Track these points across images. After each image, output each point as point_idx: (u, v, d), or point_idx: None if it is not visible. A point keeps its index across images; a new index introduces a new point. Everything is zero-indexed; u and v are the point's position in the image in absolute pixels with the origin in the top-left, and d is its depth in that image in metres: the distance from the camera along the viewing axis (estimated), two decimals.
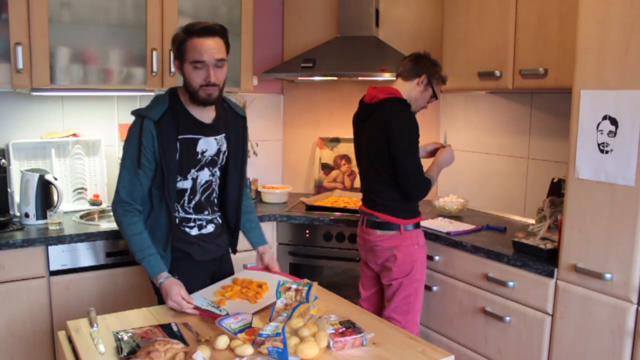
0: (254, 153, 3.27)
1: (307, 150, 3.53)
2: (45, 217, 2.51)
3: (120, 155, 1.96)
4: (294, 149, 3.56)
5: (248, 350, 1.46)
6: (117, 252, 2.48)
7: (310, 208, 3.04)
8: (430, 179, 2.32)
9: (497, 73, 2.54)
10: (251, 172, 3.22)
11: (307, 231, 2.92)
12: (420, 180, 2.26)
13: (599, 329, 1.91)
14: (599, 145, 1.89)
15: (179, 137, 1.88)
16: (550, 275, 2.06)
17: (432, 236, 2.52)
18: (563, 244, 2.02)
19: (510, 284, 2.20)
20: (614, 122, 1.83)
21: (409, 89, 2.35)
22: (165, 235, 1.93)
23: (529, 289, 2.14)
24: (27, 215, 2.50)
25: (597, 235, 1.90)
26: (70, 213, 2.71)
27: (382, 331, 1.65)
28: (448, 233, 2.51)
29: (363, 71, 2.92)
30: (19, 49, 2.36)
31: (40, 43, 2.42)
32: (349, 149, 3.38)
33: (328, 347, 1.51)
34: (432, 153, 2.51)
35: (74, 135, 2.84)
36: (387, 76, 2.85)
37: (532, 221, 2.63)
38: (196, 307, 1.77)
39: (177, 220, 1.97)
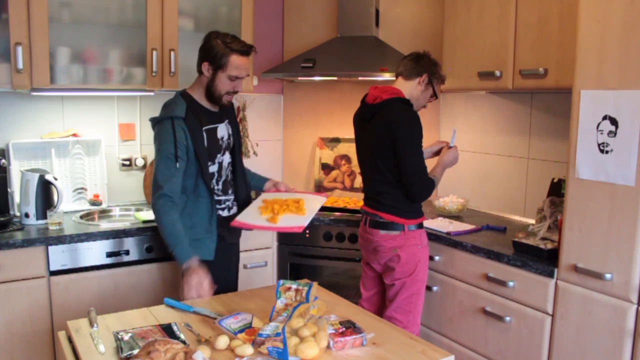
0: (254, 153, 3.27)
1: (307, 150, 3.53)
2: (45, 217, 2.51)
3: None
4: (294, 149, 3.56)
5: (248, 350, 1.46)
6: (117, 252, 2.48)
7: None
8: (435, 179, 2.32)
9: (497, 73, 2.54)
10: None
11: (307, 231, 2.92)
12: (425, 181, 2.26)
13: (599, 329, 1.91)
14: (599, 145, 1.89)
15: (204, 128, 2.14)
16: (550, 275, 2.06)
17: (432, 236, 2.52)
18: (563, 244, 2.02)
19: (510, 284, 2.20)
20: (614, 122, 1.83)
21: (410, 89, 2.35)
22: (207, 219, 2.16)
23: (529, 289, 2.14)
24: (27, 215, 2.50)
25: (597, 235, 1.90)
26: (70, 213, 2.71)
27: (382, 331, 1.65)
28: (448, 233, 2.51)
29: (363, 71, 2.92)
30: (19, 49, 2.36)
31: (40, 43, 2.42)
32: (349, 149, 3.38)
33: (328, 347, 1.51)
34: (437, 153, 2.51)
35: (74, 135, 2.84)
36: (387, 76, 2.85)
37: (532, 221, 2.63)
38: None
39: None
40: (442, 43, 2.85)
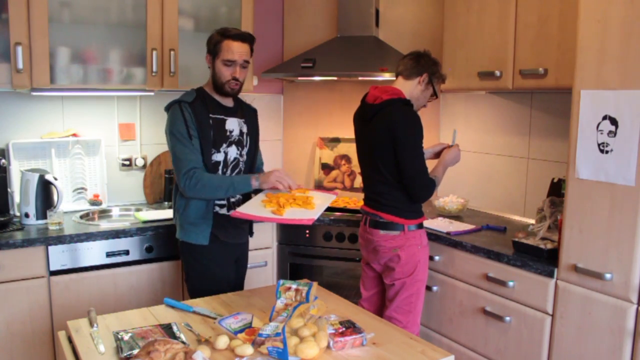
0: None
1: (307, 150, 3.53)
2: (45, 217, 2.51)
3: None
4: (294, 149, 3.56)
5: (248, 350, 1.46)
6: (117, 252, 2.48)
7: None
8: (436, 179, 2.32)
9: (497, 73, 2.54)
10: None
11: (307, 231, 2.92)
12: (426, 182, 2.26)
13: (599, 329, 1.91)
14: (599, 145, 1.89)
15: (211, 115, 2.18)
16: (550, 275, 2.06)
17: (432, 236, 2.52)
18: (563, 244, 2.02)
19: (510, 284, 2.20)
20: (614, 122, 1.83)
21: (411, 88, 2.35)
22: (204, 204, 2.18)
23: (529, 289, 2.14)
24: (27, 215, 2.50)
25: (597, 235, 1.90)
26: (70, 213, 2.71)
27: (382, 331, 1.65)
28: (448, 233, 2.51)
29: (363, 71, 2.92)
30: (19, 49, 2.36)
31: (40, 43, 2.42)
32: (349, 149, 3.38)
33: (328, 347, 1.51)
34: (438, 154, 2.51)
35: (74, 135, 2.84)
36: (387, 76, 2.85)
37: (532, 221, 2.63)
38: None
39: None
40: (442, 43, 2.85)
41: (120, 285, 2.49)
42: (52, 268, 2.35)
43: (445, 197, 3.01)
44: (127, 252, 2.51)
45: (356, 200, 3.11)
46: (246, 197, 2.23)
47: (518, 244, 2.25)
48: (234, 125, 2.26)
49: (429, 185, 2.27)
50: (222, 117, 2.22)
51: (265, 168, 2.47)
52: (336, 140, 3.43)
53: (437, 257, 2.53)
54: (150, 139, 3.08)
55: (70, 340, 1.61)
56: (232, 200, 2.26)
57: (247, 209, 1.99)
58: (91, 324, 1.66)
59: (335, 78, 3.15)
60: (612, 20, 1.82)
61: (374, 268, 2.44)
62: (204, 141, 2.13)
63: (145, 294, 2.55)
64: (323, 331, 1.51)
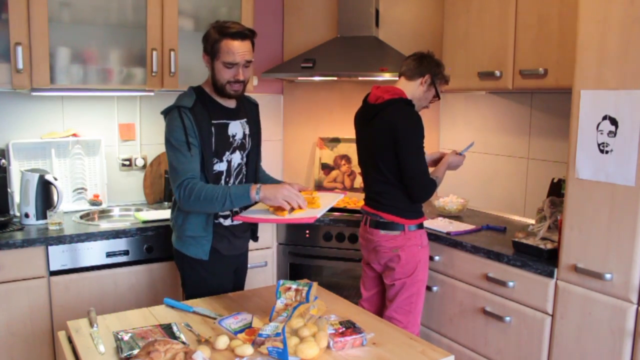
0: None
1: (307, 150, 3.53)
2: (45, 217, 2.51)
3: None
4: (294, 149, 3.56)
5: (248, 350, 1.46)
6: (117, 252, 2.48)
7: None
8: (436, 179, 2.32)
9: (497, 73, 2.54)
10: None
11: (307, 231, 2.92)
12: (426, 182, 2.26)
13: (599, 329, 1.91)
14: (599, 145, 1.89)
15: (213, 122, 2.02)
16: (550, 275, 2.06)
17: (432, 236, 2.52)
18: (563, 244, 2.02)
19: (510, 284, 2.20)
20: (614, 122, 1.83)
21: (413, 89, 2.35)
22: (204, 217, 2.02)
23: (529, 289, 2.14)
24: (27, 215, 2.50)
25: (597, 235, 1.90)
26: (70, 213, 2.71)
27: (382, 331, 1.65)
28: (448, 233, 2.51)
29: (363, 71, 2.92)
30: (19, 49, 2.36)
31: (40, 43, 2.42)
32: (349, 149, 3.38)
33: (328, 347, 1.51)
34: (436, 162, 2.51)
35: (74, 135, 2.84)
36: (387, 76, 2.85)
37: (532, 221, 2.63)
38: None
39: None
40: (442, 43, 2.85)
41: (120, 286, 2.49)
42: (52, 268, 2.35)
43: (445, 197, 3.01)
44: (127, 252, 2.51)
45: (356, 200, 3.11)
46: None
47: (518, 244, 2.25)
48: (236, 128, 2.10)
49: (429, 185, 2.27)
50: (224, 121, 2.06)
51: (265, 168, 2.46)
52: (336, 140, 3.43)
53: (437, 257, 2.53)
54: (150, 139, 3.08)
55: (70, 340, 1.61)
56: (236, 210, 2.09)
57: (249, 213, 1.93)
58: (91, 324, 1.66)
59: (335, 78, 3.15)
60: (612, 20, 1.82)
61: (374, 268, 2.44)
62: (205, 150, 1.97)
63: (145, 294, 2.55)
64: (323, 331, 1.51)
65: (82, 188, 2.87)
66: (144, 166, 3.06)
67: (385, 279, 2.38)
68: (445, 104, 3.24)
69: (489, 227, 2.65)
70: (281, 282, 1.75)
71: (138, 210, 2.87)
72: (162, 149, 3.09)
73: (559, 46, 2.29)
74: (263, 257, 2.89)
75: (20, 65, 2.37)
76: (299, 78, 3.21)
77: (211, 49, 1.99)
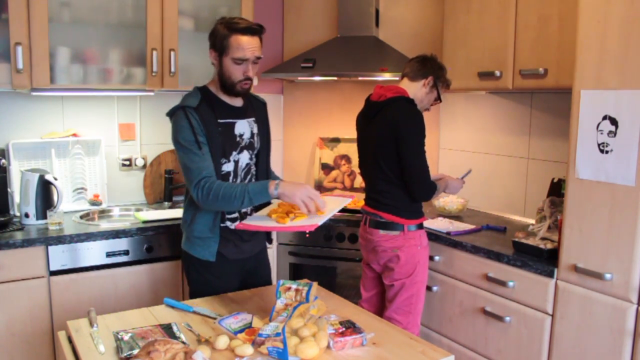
0: None
1: (307, 150, 3.53)
2: (45, 217, 2.51)
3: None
4: (294, 149, 3.56)
5: (248, 350, 1.46)
6: (117, 252, 2.48)
7: None
8: (438, 185, 2.33)
9: (497, 73, 2.54)
10: None
11: (307, 232, 2.92)
12: (427, 181, 2.27)
13: (599, 329, 1.91)
14: (599, 145, 1.89)
15: (219, 121, 1.98)
16: (550, 275, 2.06)
17: (432, 236, 2.52)
18: (563, 244, 2.02)
19: (510, 284, 2.20)
20: (614, 122, 1.83)
21: (415, 90, 2.36)
22: (212, 217, 1.99)
23: (529, 289, 2.14)
24: (27, 215, 2.50)
25: (597, 235, 1.90)
26: (70, 213, 2.71)
27: (382, 331, 1.65)
28: (448, 233, 2.51)
29: (363, 71, 2.92)
30: (19, 49, 2.36)
31: (40, 43, 2.42)
32: (349, 149, 3.38)
33: (328, 347, 1.51)
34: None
35: (74, 135, 2.84)
36: (387, 76, 2.85)
37: (532, 221, 2.63)
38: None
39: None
40: (442, 43, 2.85)
41: (120, 285, 2.49)
42: (52, 268, 2.35)
43: (445, 197, 3.01)
44: (127, 252, 2.51)
45: (356, 201, 3.10)
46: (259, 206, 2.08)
47: (518, 244, 2.25)
48: (244, 127, 2.06)
49: (429, 185, 2.28)
50: (230, 120, 2.02)
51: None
52: (336, 140, 3.43)
53: (437, 257, 2.53)
54: (150, 139, 3.08)
55: (70, 340, 1.61)
56: (245, 210, 2.06)
57: (252, 220, 1.90)
58: (91, 324, 1.66)
59: (335, 78, 3.15)
60: (612, 20, 1.82)
61: (373, 268, 2.44)
62: (212, 150, 1.93)
63: (145, 294, 2.55)
64: (323, 331, 1.51)
65: (82, 188, 2.87)
66: (144, 166, 3.06)
67: (385, 279, 2.38)
68: (445, 104, 3.24)
69: (489, 227, 2.65)
70: (281, 282, 1.75)
71: (138, 210, 2.87)
72: (162, 148, 3.09)
73: (559, 46, 2.29)
74: None
75: (20, 65, 2.37)
76: (299, 78, 3.21)
77: (220, 45, 1.93)
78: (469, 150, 3.11)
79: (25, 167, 2.67)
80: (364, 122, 2.44)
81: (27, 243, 2.28)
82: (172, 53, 2.70)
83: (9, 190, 2.59)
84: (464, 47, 2.72)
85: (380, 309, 2.48)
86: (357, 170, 3.33)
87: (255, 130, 2.11)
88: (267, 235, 2.24)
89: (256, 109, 2.16)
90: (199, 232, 2.01)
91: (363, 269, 2.53)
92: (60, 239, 2.34)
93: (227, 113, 2.02)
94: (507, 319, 2.22)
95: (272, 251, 2.94)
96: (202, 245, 2.02)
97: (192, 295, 2.09)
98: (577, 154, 1.95)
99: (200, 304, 1.85)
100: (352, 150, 3.32)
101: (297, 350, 1.43)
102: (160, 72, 2.70)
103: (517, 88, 2.50)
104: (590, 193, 1.92)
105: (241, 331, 1.58)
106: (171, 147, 3.11)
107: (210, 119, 1.95)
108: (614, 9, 1.81)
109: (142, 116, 3.04)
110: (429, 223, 2.66)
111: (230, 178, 2.02)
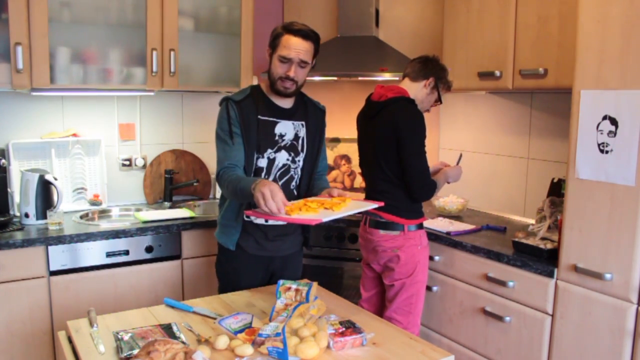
0: None
1: None
2: (45, 217, 2.51)
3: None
4: None
5: (248, 350, 1.46)
6: (117, 252, 2.48)
7: None
8: (437, 182, 2.32)
9: (497, 73, 2.54)
10: None
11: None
12: (427, 180, 2.27)
13: (599, 329, 1.91)
14: (599, 145, 1.89)
15: (259, 117, 2.02)
16: (550, 275, 2.06)
17: (432, 236, 2.52)
18: (563, 244, 2.02)
19: (510, 284, 2.20)
20: (614, 122, 1.83)
21: (416, 90, 2.36)
22: (237, 207, 2.05)
23: (529, 289, 2.14)
24: (27, 215, 2.50)
25: (597, 235, 1.90)
26: (70, 213, 2.71)
27: (382, 331, 1.65)
28: (448, 233, 2.51)
29: (363, 71, 2.92)
30: (19, 49, 2.36)
31: (40, 43, 2.42)
32: (349, 149, 3.38)
33: (328, 347, 1.51)
34: (434, 173, 2.50)
35: (74, 135, 2.84)
36: (387, 76, 2.85)
37: (532, 221, 2.63)
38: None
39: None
40: (442, 43, 2.85)
41: (120, 286, 2.49)
42: (52, 268, 2.35)
43: (445, 197, 3.01)
44: (127, 252, 2.51)
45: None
46: None
47: (518, 244, 2.25)
48: (287, 128, 2.07)
49: (430, 185, 2.27)
50: (271, 119, 2.04)
51: None
52: (336, 140, 3.43)
53: (437, 257, 2.53)
54: (150, 139, 3.08)
55: (70, 340, 1.61)
56: None
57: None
58: (91, 324, 1.65)
59: (335, 78, 3.15)
60: (612, 20, 1.82)
61: (373, 268, 2.44)
62: (246, 143, 1.99)
63: (145, 294, 2.55)
64: (323, 331, 1.51)
65: (82, 188, 2.87)
66: (144, 166, 3.06)
67: (385, 279, 2.38)
68: (445, 104, 3.24)
69: (489, 227, 2.65)
70: (281, 282, 1.75)
71: (138, 210, 2.87)
72: (162, 148, 3.10)
73: (559, 46, 2.29)
74: None
75: (20, 65, 2.37)
76: None
77: (273, 43, 2.01)
78: (469, 150, 3.11)
79: (25, 167, 2.67)
80: (364, 121, 2.44)
81: (27, 243, 2.28)
82: (172, 53, 2.70)
83: (9, 190, 2.59)
84: (464, 47, 2.72)
85: (380, 309, 2.48)
86: (357, 170, 3.33)
87: (302, 134, 2.12)
88: (305, 239, 2.26)
89: (310, 114, 2.15)
90: (225, 219, 2.09)
91: (363, 269, 2.52)
92: (60, 239, 2.34)
93: (271, 111, 2.05)
94: (507, 319, 2.22)
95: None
96: (225, 232, 2.10)
97: (220, 285, 2.16)
98: (577, 154, 1.95)
99: (200, 304, 1.85)
100: (352, 150, 3.32)
101: (297, 350, 1.43)
102: (160, 72, 2.70)
103: (517, 88, 2.50)
104: (590, 193, 1.92)
105: (241, 331, 1.58)
106: (171, 147, 3.15)
107: (249, 114, 2.00)
108: (614, 9, 1.81)
109: (142, 116, 3.04)
110: (429, 223, 2.66)
111: (263, 174, 2.06)
